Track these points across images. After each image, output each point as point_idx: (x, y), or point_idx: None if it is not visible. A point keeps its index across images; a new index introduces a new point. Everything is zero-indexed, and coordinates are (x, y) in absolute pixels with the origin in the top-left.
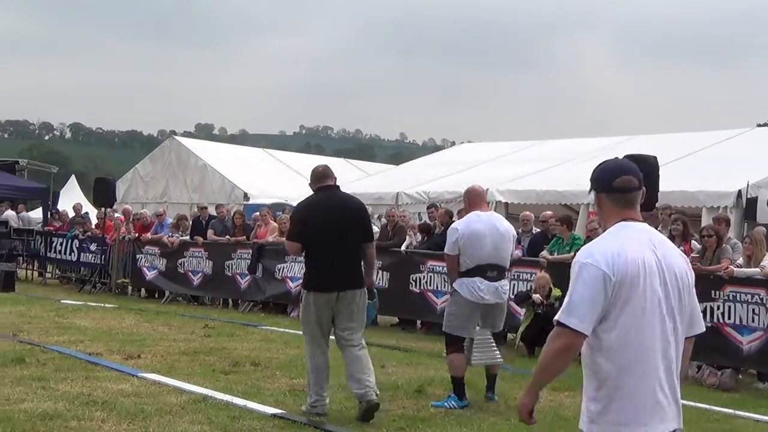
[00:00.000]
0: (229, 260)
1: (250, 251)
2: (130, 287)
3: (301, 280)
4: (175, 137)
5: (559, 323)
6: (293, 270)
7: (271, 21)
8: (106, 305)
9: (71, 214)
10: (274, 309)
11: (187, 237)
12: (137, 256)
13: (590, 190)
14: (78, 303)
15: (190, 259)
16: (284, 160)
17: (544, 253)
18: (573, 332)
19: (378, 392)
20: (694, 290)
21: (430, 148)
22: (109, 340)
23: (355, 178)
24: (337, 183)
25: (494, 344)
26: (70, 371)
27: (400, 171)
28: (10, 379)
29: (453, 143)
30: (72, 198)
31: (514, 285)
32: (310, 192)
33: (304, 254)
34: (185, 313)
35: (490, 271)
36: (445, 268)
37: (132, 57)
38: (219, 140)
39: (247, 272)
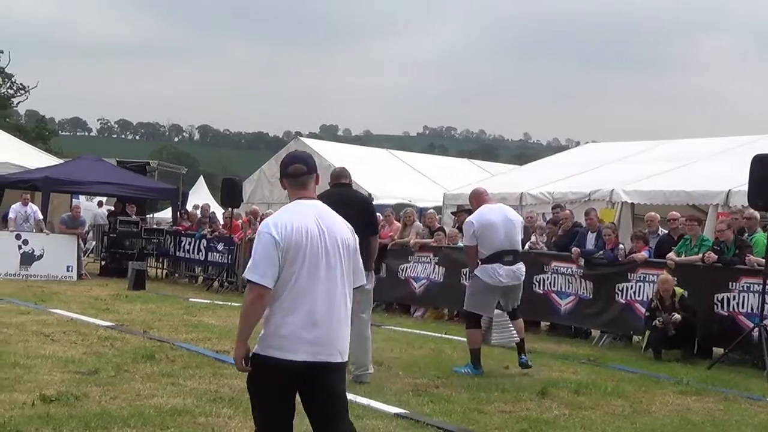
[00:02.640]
0: None
1: None
2: None
3: (425, 280)
4: (300, 138)
5: (247, 280)
6: (416, 270)
7: (395, 23)
8: (233, 304)
9: (199, 214)
10: (397, 309)
11: None
12: None
13: (280, 177)
14: (206, 301)
15: None
16: (408, 160)
17: (671, 254)
18: (258, 286)
19: (368, 372)
20: (357, 253)
21: (555, 147)
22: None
23: (479, 178)
24: (351, 182)
25: (511, 325)
26: (198, 368)
27: (524, 171)
28: (141, 374)
29: (578, 143)
30: (200, 198)
31: (640, 287)
32: (434, 192)
33: None
34: None
35: (507, 256)
36: (568, 269)
37: (258, 60)
38: (343, 141)
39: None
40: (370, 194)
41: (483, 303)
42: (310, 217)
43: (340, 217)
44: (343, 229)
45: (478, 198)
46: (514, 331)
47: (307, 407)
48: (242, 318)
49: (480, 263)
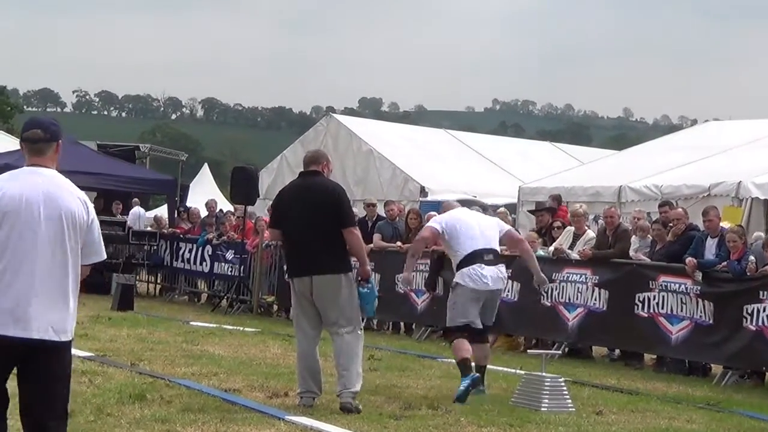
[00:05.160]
0: (401, 273)
1: (429, 262)
2: (275, 306)
3: None
4: (334, 115)
5: None
6: None
7: None
8: (246, 329)
9: (203, 212)
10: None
11: None
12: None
13: None
14: (211, 325)
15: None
16: (472, 144)
17: None
18: None
19: (354, 392)
20: (93, 228)
21: (663, 128)
22: (250, 374)
23: (565, 167)
24: (326, 170)
25: (566, 391)
26: (201, 412)
27: (624, 158)
28: (128, 419)
29: (694, 122)
30: (204, 192)
31: None
32: (506, 184)
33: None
34: None
35: (487, 255)
36: (681, 286)
37: (280, 13)
38: (389, 118)
39: (424, 289)
40: (423, 187)
41: (465, 311)
42: (33, 186)
43: (74, 190)
44: (70, 202)
45: (446, 208)
46: (570, 400)
47: (19, 388)
48: None
49: (458, 268)
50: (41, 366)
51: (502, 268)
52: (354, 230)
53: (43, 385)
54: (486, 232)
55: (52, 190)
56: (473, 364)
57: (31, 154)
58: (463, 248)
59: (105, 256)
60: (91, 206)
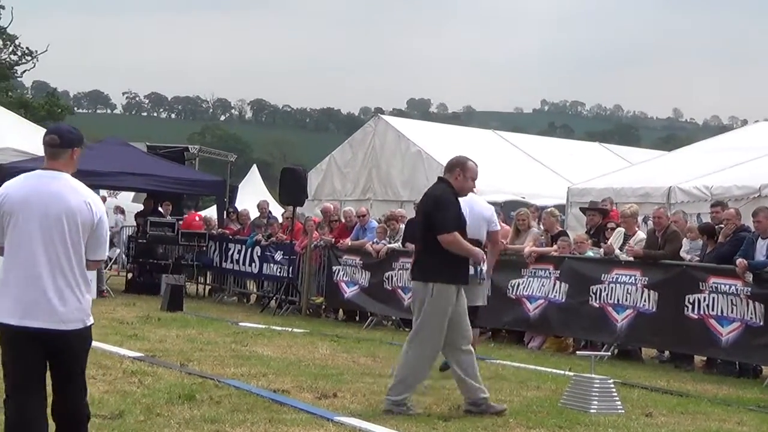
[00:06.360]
0: None
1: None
2: (324, 307)
3: (542, 300)
4: (382, 116)
5: None
6: (531, 287)
7: None
8: (295, 330)
9: (253, 214)
10: (507, 338)
11: (398, 244)
12: (334, 267)
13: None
14: (260, 326)
15: (400, 272)
16: (521, 145)
17: None
18: None
19: (393, 400)
20: (99, 227)
21: (714, 128)
22: (299, 374)
23: (614, 167)
24: (455, 177)
25: (616, 393)
26: (249, 412)
27: (674, 159)
28: (177, 419)
29: (744, 122)
30: (253, 193)
31: None
32: (555, 185)
33: None
34: (394, 341)
35: None
36: (732, 287)
37: (329, 13)
38: (437, 119)
39: None
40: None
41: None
42: (38, 187)
43: (83, 191)
44: (75, 202)
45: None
46: (619, 401)
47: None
48: None
49: None
50: (56, 352)
51: None
52: (447, 236)
53: (60, 368)
54: (474, 223)
55: (58, 191)
56: None
57: (48, 158)
58: None
59: (105, 257)
60: (99, 208)
